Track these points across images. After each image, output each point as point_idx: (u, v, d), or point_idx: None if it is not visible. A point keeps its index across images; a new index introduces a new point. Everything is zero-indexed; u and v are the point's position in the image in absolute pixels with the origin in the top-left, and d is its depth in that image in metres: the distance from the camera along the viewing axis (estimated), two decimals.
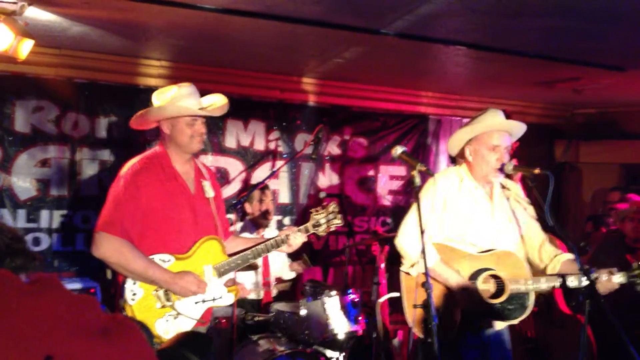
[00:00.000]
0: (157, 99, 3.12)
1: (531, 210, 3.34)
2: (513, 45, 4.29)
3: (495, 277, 3.15)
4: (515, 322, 3.21)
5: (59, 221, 4.87)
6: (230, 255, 3.15)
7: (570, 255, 3.22)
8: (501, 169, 3.17)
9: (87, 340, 1.07)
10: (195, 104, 3.11)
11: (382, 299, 4.46)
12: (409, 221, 3.18)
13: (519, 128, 3.30)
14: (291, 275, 4.99)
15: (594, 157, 6.99)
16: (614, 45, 4.22)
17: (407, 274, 3.19)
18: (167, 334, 2.86)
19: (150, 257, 2.92)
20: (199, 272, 3.02)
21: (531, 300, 3.18)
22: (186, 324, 2.96)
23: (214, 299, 3.08)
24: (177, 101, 3.06)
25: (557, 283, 3.10)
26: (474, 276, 3.15)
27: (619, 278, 3.04)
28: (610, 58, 4.62)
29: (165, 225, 3.00)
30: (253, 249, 3.14)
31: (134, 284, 2.89)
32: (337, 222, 3.26)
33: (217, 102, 3.27)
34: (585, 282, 2.98)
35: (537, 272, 3.26)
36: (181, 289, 2.92)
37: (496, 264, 3.16)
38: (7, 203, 4.71)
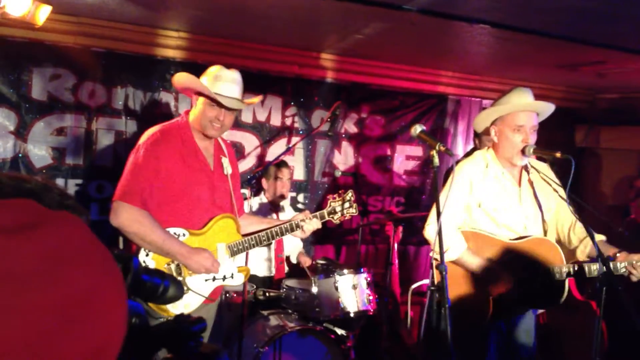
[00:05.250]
0: (204, 74, 3.11)
1: (562, 191, 3.26)
2: (538, 25, 4.19)
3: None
4: (546, 308, 3.17)
5: (73, 190, 4.87)
6: (244, 235, 3.15)
7: (600, 237, 3.15)
8: (523, 152, 3.10)
9: None
10: (227, 91, 3.03)
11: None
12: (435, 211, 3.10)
13: (546, 108, 3.21)
14: (295, 261, 4.97)
15: (615, 143, 6.85)
16: None
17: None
18: (175, 308, 2.86)
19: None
20: (212, 250, 3.02)
21: (566, 287, 3.11)
22: (195, 301, 2.97)
23: (224, 278, 3.09)
24: (214, 81, 3.03)
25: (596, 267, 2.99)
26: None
27: None
28: (638, 42, 4.50)
29: (183, 200, 3.00)
30: (267, 231, 3.14)
31: (147, 255, 2.88)
32: (353, 211, 3.28)
33: (250, 100, 3.32)
34: (622, 269, 2.94)
35: (567, 253, 3.20)
36: (196, 264, 2.92)
37: (531, 250, 3.10)
38: (23, 170, 4.71)
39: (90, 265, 0.87)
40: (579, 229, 3.23)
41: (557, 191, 3.25)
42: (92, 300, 0.84)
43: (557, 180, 3.28)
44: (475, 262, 3.08)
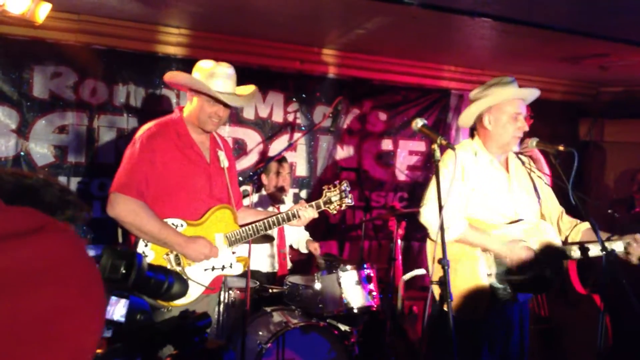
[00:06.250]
0: (195, 69, 3.12)
1: (547, 180, 3.28)
2: (541, 18, 4.16)
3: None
4: (537, 294, 3.17)
5: (75, 188, 4.87)
6: (242, 225, 3.16)
7: (585, 225, 3.17)
8: (521, 140, 3.12)
9: None
10: (224, 87, 3.07)
11: (407, 277, 4.43)
12: (432, 195, 3.04)
13: (533, 94, 3.25)
14: (306, 251, 4.98)
15: (619, 137, 6.82)
16: None
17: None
18: None
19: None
20: (210, 240, 3.03)
21: (564, 269, 3.15)
22: (194, 290, 2.98)
23: (223, 268, 3.10)
24: (209, 77, 3.04)
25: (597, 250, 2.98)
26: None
27: None
28: None
29: (180, 191, 3.03)
30: (264, 220, 3.16)
31: (146, 245, 2.91)
32: (348, 201, 3.28)
33: (245, 91, 3.29)
34: (619, 247, 2.94)
35: None
36: (194, 252, 2.94)
37: (526, 235, 3.10)
38: (25, 168, 4.71)
39: (67, 285, 0.83)
40: (567, 218, 3.27)
41: (541, 178, 3.27)
42: (60, 321, 0.80)
43: (539, 171, 3.32)
44: (480, 237, 3.02)
